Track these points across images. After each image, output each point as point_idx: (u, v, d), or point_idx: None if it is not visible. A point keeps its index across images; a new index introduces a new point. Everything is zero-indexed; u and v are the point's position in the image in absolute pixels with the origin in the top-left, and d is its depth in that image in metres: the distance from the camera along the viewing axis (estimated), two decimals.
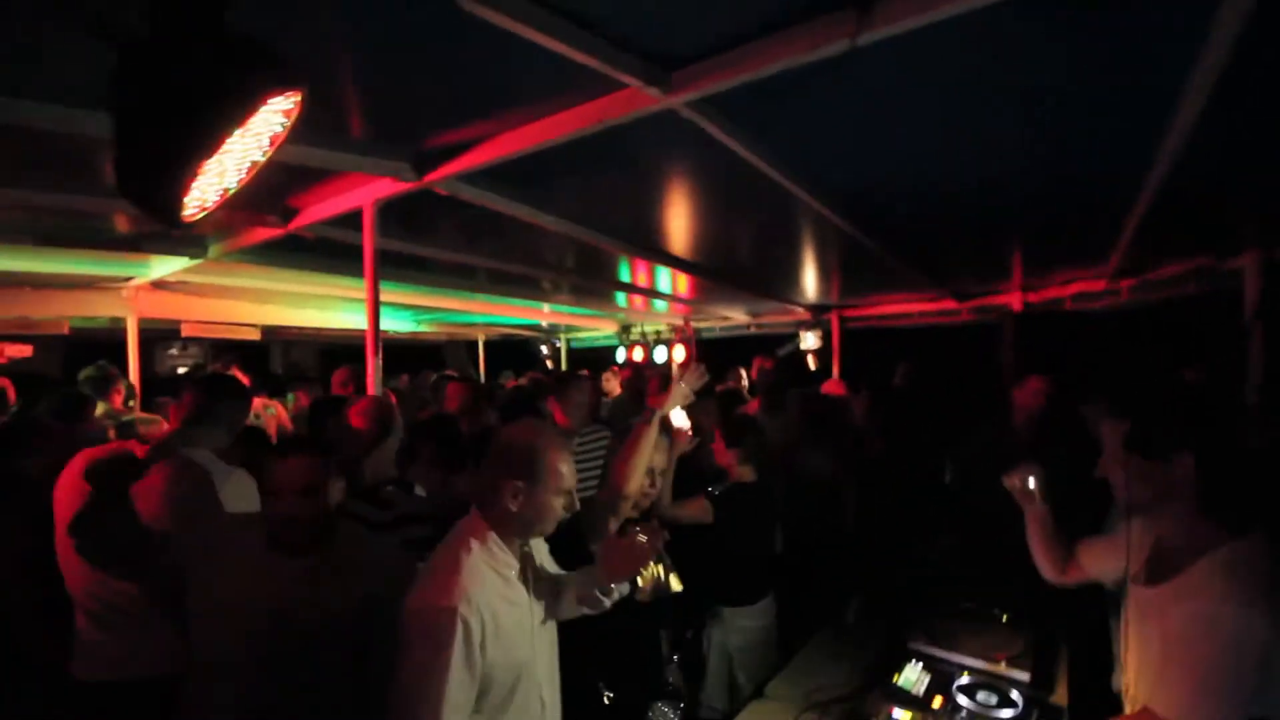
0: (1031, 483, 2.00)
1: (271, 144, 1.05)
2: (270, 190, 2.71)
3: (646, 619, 2.14)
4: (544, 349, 9.61)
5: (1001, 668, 2.17)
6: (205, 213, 1.08)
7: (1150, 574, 1.48)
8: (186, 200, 0.98)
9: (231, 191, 1.09)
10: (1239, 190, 2.82)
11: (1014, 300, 5.17)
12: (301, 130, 1.07)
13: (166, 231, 3.40)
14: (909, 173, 2.50)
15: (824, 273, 4.80)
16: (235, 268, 4.20)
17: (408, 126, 2.09)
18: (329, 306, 6.25)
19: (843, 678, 2.23)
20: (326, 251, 3.69)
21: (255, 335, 6.24)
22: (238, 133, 0.91)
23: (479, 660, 1.31)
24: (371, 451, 2.15)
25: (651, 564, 2.19)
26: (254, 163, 1.07)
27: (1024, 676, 2.12)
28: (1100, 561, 1.76)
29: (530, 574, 1.54)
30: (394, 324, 7.38)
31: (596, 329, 9.01)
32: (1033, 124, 2.01)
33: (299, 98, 0.96)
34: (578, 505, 1.57)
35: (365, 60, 1.60)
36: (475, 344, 9.23)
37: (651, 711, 1.72)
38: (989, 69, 1.63)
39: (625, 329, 8.71)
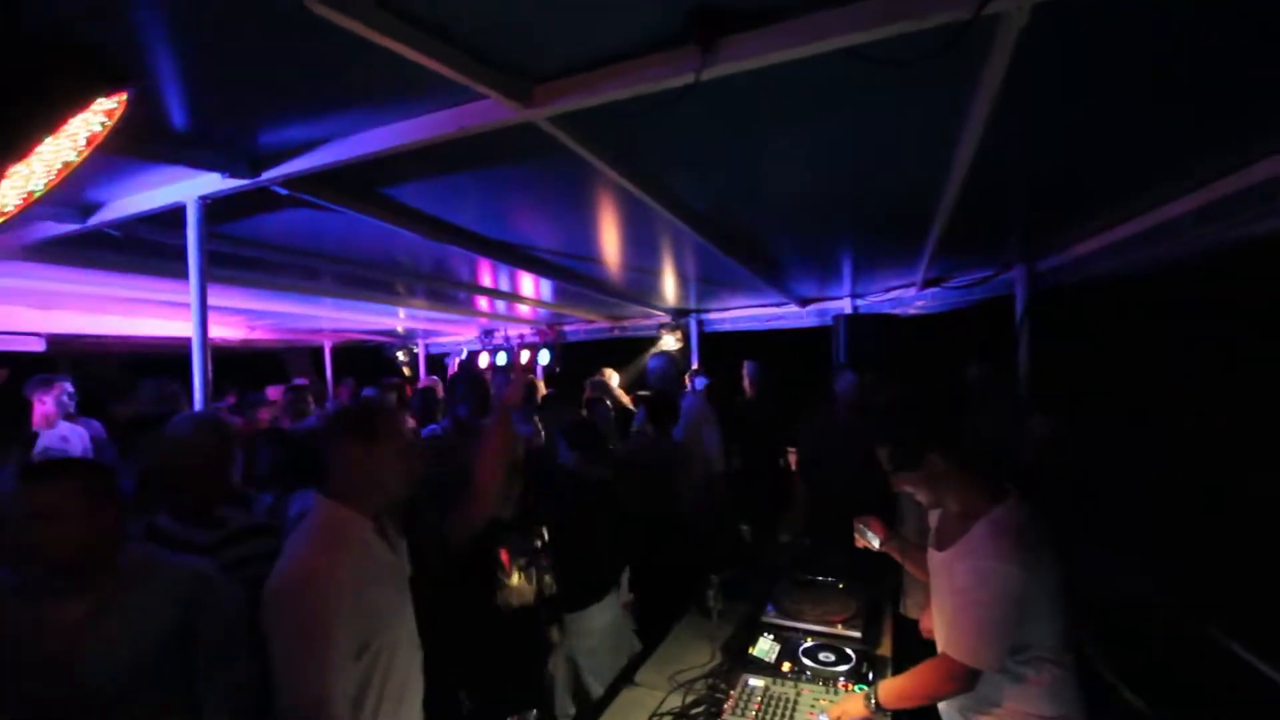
0: (872, 539, 2.29)
1: (89, 144, 0.94)
2: (66, 180, 2.34)
3: (515, 627, 2.16)
4: (400, 355, 9.10)
5: (839, 629, 2.46)
6: (4, 219, 0.94)
7: (940, 541, 1.83)
8: None
9: (38, 195, 0.96)
10: (1008, 214, 3.42)
11: (846, 305, 5.81)
12: (120, 132, 0.96)
13: None
14: (754, 192, 2.74)
15: (682, 279, 5.06)
16: (16, 267, 3.54)
17: (240, 120, 1.92)
18: (138, 311, 5.45)
19: (705, 656, 2.40)
20: (137, 250, 3.24)
21: (38, 346, 5.29)
22: (49, 138, 0.81)
23: (348, 627, 1.38)
24: (205, 473, 1.94)
25: (518, 571, 2.21)
26: (66, 163, 0.95)
27: (857, 635, 2.42)
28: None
29: (390, 533, 1.60)
30: (223, 330, 6.61)
31: (456, 334, 8.71)
32: (856, 156, 2.31)
33: (124, 98, 0.87)
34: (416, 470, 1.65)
35: (197, 51, 1.46)
36: (320, 351, 8.51)
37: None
38: (812, 106, 1.86)
39: (487, 333, 8.51)
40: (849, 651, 2.30)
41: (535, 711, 1.80)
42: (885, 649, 2.43)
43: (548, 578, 2.27)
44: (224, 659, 1.51)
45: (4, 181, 0.83)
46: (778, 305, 6.25)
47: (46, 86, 0.77)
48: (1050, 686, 1.69)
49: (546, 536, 2.35)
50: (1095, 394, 4.04)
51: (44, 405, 3.68)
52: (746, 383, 4.99)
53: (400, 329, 8.18)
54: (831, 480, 3.69)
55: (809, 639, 2.40)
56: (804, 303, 6.04)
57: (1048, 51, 1.52)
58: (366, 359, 9.19)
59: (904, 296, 5.45)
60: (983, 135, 1.97)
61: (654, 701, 2.11)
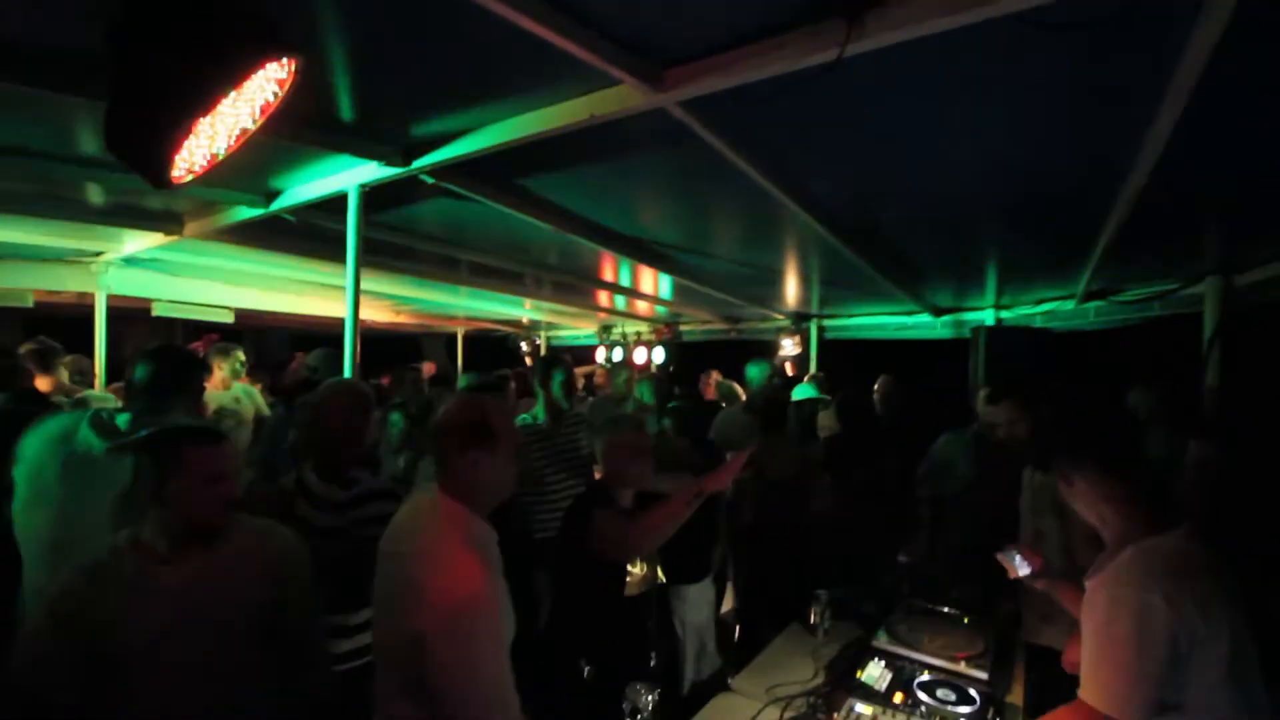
0: (1021, 566, 2.02)
1: (263, 112, 1.04)
2: (253, 169, 2.68)
3: (631, 606, 2.18)
4: (523, 345, 9.57)
5: (961, 667, 2.23)
6: (192, 176, 1.07)
7: (1093, 570, 1.57)
8: (176, 160, 0.98)
9: (220, 157, 1.09)
10: (1200, 221, 2.94)
11: (987, 316, 5.31)
12: (291, 107, 1.06)
13: (141, 205, 3.33)
14: (890, 186, 2.56)
15: (805, 281, 4.88)
16: (211, 247, 4.12)
17: (397, 111, 2.08)
18: (304, 292, 6.15)
19: (808, 673, 2.27)
20: (307, 235, 3.64)
21: (229, 318, 6.12)
22: (231, 96, 0.91)
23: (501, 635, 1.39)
24: (346, 435, 2.13)
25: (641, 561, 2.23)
26: (244, 130, 1.06)
27: (983, 675, 2.18)
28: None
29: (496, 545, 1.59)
30: (371, 313, 7.29)
31: (576, 327, 9.00)
32: (1012, 143, 2.09)
33: (294, 67, 0.96)
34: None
35: (357, 40, 1.60)
36: (454, 338, 9.15)
37: (628, 690, 1.74)
38: (973, 86, 1.69)
39: (605, 328, 8.72)
40: (972, 693, 2.08)
41: (658, 688, 1.78)
42: (1016, 696, 2.17)
43: (659, 566, 2.28)
44: (305, 629, 1.63)
45: (191, 140, 0.94)
46: (908, 313, 5.85)
47: (224, 45, 0.86)
48: None
49: None
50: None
51: (220, 370, 4.24)
52: (877, 397, 4.72)
53: (525, 320, 8.60)
54: (961, 507, 3.37)
55: (926, 672, 2.20)
56: (938, 312, 5.60)
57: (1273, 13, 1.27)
58: (494, 347, 9.75)
59: (1060, 310, 4.88)
60: (1180, 120, 1.69)
61: (749, 711, 2.03)
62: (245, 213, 3.14)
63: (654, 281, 5.27)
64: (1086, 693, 1.44)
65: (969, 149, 2.13)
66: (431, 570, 1.36)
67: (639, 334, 8.42)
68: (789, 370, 6.64)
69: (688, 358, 8.07)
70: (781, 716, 2.01)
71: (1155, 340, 4.42)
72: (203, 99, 0.87)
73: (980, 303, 5.28)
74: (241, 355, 4.44)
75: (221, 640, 1.45)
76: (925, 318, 5.71)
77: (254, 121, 1.05)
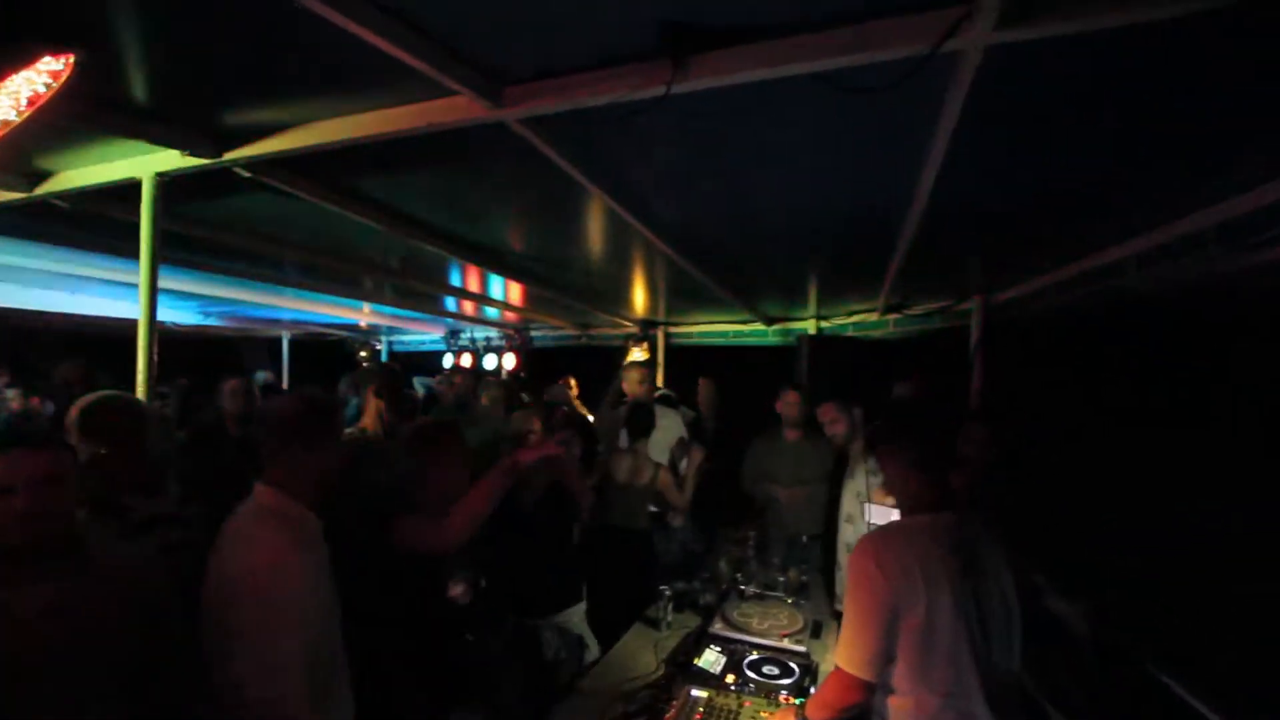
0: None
1: (30, 104, 0.90)
2: (11, 146, 2.25)
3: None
4: (362, 352, 8.91)
5: (785, 643, 2.48)
6: None
7: None
8: None
9: None
10: (965, 248, 3.55)
11: (809, 326, 5.92)
12: (66, 98, 0.93)
13: None
14: (721, 208, 2.79)
15: (651, 290, 5.10)
16: None
17: (205, 97, 1.88)
18: (81, 288, 5.22)
19: (651, 666, 2.39)
20: (85, 225, 3.12)
21: None
22: None
23: (306, 609, 1.42)
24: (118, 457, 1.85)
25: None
26: (5, 122, 0.91)
27: (802, 649, 2.45)
28: None
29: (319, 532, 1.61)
30: (174, 315, 6.38)
31: (422, 332, 8.57)
32: (818, 178, 2.38)
33: (70, 60, 0.85)
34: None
35: (154, 20, 1.43)
36: (279, 343, 8.28)
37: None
38: (785, 126, 1.91)
39: (454, 334, 8.40)
40: (793, 665, 2.32)
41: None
42: (830, 664, 2.46)
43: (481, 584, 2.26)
44: (171, 647, 1.47)
45: None
46: (744, 322, 6.33)
47: None
48: (902, 716, 1.62)
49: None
50: (1038, 421, 4.19)
51: None
52: (700, 399, 5.10)
53: (364, 324, 8.02)
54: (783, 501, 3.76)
55: (754, 652, 2.42)
56: (770, 321, 6.14)
57: (1002, 91, 1.59)
58: (327, 353, 8.97)
59: (866, 321, 5.58)
60: (941, 168, 2.05)
61: (594, 711, 2.09)
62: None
63: (503, 288, 5.19)
64: (837, 656, 1.68)
65: (784, 180, 2.39)
66: (233, 546, 1.41)
67: (489, 340, 8.23)
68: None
69: (539, 363, 8.04)
70: (626, 710, 2.10)
71: (943, 348, 5.22)
72: None
73: (804, 313, 5.88)
74: None
75: (84, 683, 1.29)
76: (759, 327, 6.22)
77: (18, 114, 0.90)
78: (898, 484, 1.80)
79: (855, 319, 5.65)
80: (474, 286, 5.16)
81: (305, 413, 1.57)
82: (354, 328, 8.28)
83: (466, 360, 7.87)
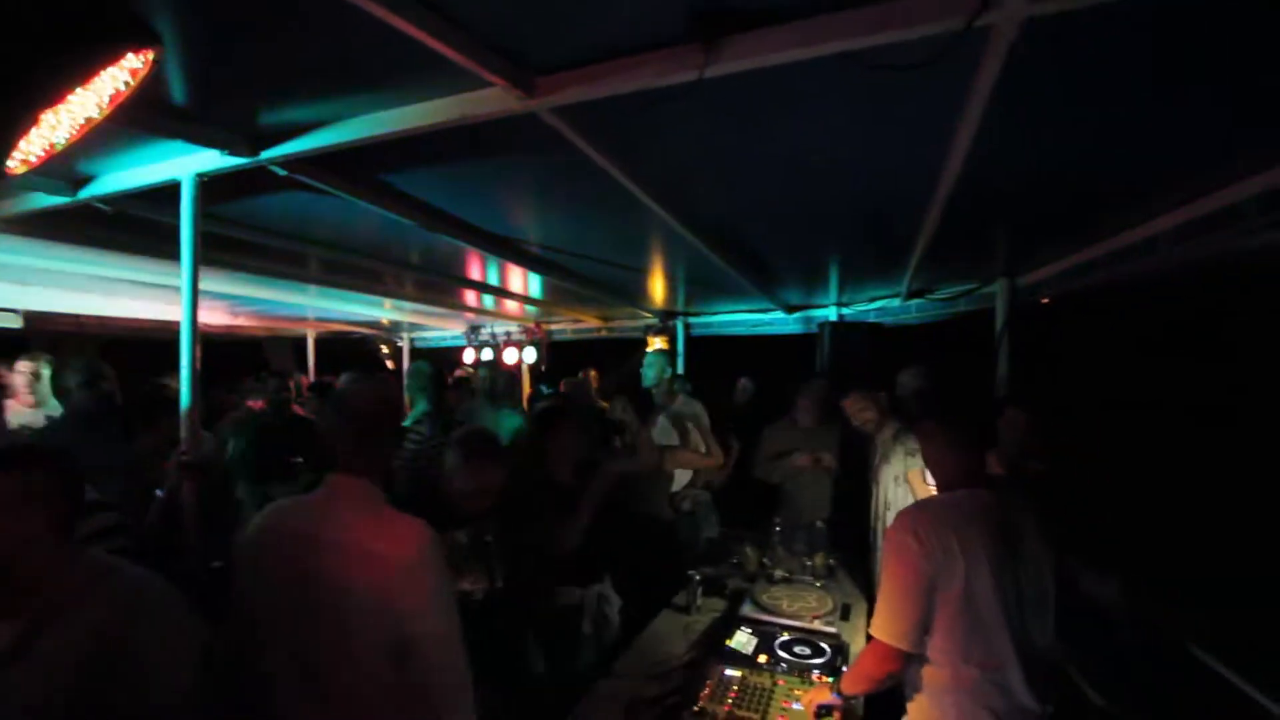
0: None
1: (112, 102, 0.95)
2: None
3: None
4: (384, 348, 9.04)
5: (815, 625, 2.51)
6: (28, 167, 0.95)
7: None
8: (14, 152, 0.86)
9: (59, 148, 0.97)
10: (991, 231, 3.51)
11: (830, 312, 5.90)
12: (142, 96, 0.98)
13: None
14: (746, 194, 2.79)
15: (671, 280, 5.11)
16: None
17: (243, 97, 1.92)
18: (116, 291, 5.36)
19: (682, 649, 2.43)
20: (125, 228, 3.21)
21: (14, 323, 5.19)
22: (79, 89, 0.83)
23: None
24: None
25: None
26: (89, 119, 0.96)
27: (833, 630, 2.47)
28: None
29: None
30: (206, 316, 6.53)
31: (443, 328, 8.67)
32: (844, 162, 2.37)
33: (151, 58, 0.89)
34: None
35: (197, 20, 1.47)
36: (304, 341, 8.42)
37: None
38: (808, 110, 1.91)
39: (474, 329, 8.49)
40: (824, 645, 2.35)
41: None
42: (860, 644, 2.48)
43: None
44: (168, 675, 1.31)
45: (33, 130, 0.84)
46: (764, 311, 6.32)
47: (80, 36, 0.78)
48: (938, 688, 1.65)
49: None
50: (1067, 405, 4.14)
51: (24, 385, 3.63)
52: (739, 392, 5.13)
53: (385, 321, 8.13)
54: (796, 483, 3.79)
55: (785, 633, 2.45)
56: (790, 309, 6.12)
57: (1035, 69, 1.58)
58: (350, 350, 9.11)
59: (889, 306, 5.55)
60: (969, 149, 2.04)
61: (629, 693, 2.14)
62: (44, 200, 2.71)
63: (524, 281, 5.24)
64: (873, 627, 1.71)
65: (810, 165, 2.39)
66: (378, 536, 1.37)
67: (509, 334, 8.30)
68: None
69: (559, 356, 8.10)
70: (660, 691, 2.14)
71: (967, 332, 5.17)
72: (52, 91, 0.78)
73: (825, 300, 5.85)
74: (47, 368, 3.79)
75: None
76: (779, 315, 6.21)
77: (100, 111, 0.95)
78: (936, 461, 1.83)
79: (878, 305, 5.61)
80: (495, 280, 5.22)
81: (388, 405, 1.58)
82: (376, 325, 8.40)
83: (487, 354, 7.96)
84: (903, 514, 1.74)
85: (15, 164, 0.93)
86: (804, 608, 2.66)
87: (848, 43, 1.38)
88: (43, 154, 0.96)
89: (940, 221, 2.87)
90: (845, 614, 2.67)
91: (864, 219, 3.15)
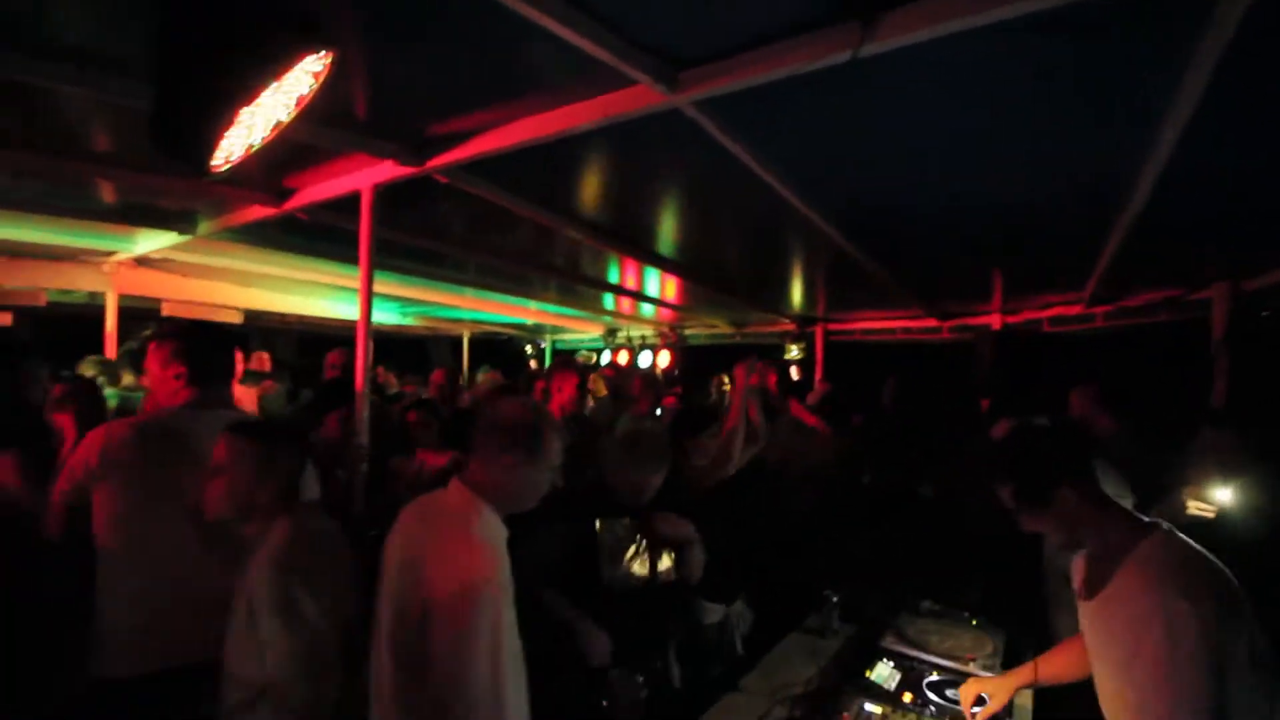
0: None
1: (298, 104, 1.07)
2: (266, 167, 2.71)
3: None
4: (529, 348, 9.58)
5: (971, 667, 2.23)
6: (229, 165, 1.10)
7: (1089, 590, 1.53)
8: (217, 150, 1.00)
9: (256, 148, 1.11)
10: (1208, 229, 2.95)
11: (994, 321, 5.31)
12: (323, 99, 1.09)
13: (155, 205, 3.36)
14: (902, 190, 2.58)
15: (811, 284, 4.89)
16: (223, 247, 4.15)
17: (412, 109, 2.10)
18: (312, 293, 6.19)
19: (815, 674, 2.27)
20: (319, 235, 3.67)
21: (237, 319, 6.15)
22: (272, 87, 0.94)
23: (502, 625, 1.40)
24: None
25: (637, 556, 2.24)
26: (280, 121, 1.08)
27: (991, 676, 2.18)
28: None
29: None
30: (379, 315, 7.33)
31: (582, 331, 9.02)
32: (1020, 152, 2.10)
33: (330, 60, 0.99)
34: (560, 483, 1.64)
35: (375, 37, 1.62)
36: (460, 340, 9.17)
37: (611, 673, 1.78)
38: (982, 97, 1.71)
39: (611, 332, 8.74)
40: (982, 694, 2.08)
41: (641, 678, 1.81)
42: (1025, 698, 2.17)
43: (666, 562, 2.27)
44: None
45: (232, 129, 0.96)
46: (913, 318, 5.85)
47: (266, 37, 0.89)
48: None
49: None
50: None
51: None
52: (886, 397, 4.76)
53: (530, 323, 8.62)
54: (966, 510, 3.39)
55: (934, 672, 2.21)
56: (945, 316, 5.60)
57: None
58: (499, 350, 9.77)
59: (1065, 314, 4.88)
60: (1189, 125, 1.71)
61: (757, 711, 2.03)
62: (258, 211, 3.18)
63: (660, 285, 5.29)
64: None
65: (980, 154, 2.15)
66: (439, 553, 1.41)
67: (644, 338, 8.44)
68: (793, 374, 6.65)
69: (693, 361, 8.09)
70: (790, 715, 2.01)
71: (1163, 345, 4.42)
72: (246, 90, 0.90)
73: (986, 306, 5.29)
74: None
75: None
76: (931, 323, 5.71)
77: (289, 114, 1.07)
78: (1092, 527, 1.49)
79: (1053, 313, 4.96)
80: (632, 283, 5.32)
81: (530, 424, 1.53)
82: (523, 326, 8.93)
83: (624, 357, 8.15)
84: (1152, 575, 1.37)
85: (219, 162, 1.07)
86: (956, 646, 2.38)
87: (1034, 3, 1.20)
88: (242, 154, 1.11)
89: (1142, 212, 2.45)
90: (1011, 659, 2.35)
91: (1043, 212, 2.77)
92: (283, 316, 6.94)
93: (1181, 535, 1.42)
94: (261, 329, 7.70)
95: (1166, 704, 1.26)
